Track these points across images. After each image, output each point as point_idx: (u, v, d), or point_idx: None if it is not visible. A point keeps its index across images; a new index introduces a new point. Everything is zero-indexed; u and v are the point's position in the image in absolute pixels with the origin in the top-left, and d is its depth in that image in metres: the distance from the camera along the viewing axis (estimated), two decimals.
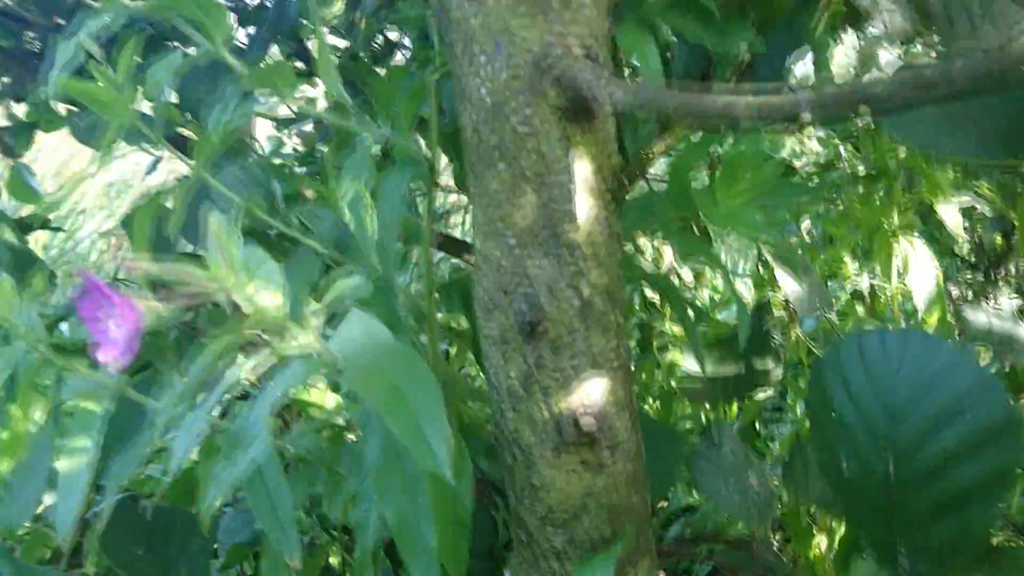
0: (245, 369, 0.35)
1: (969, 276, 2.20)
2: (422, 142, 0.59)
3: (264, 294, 0.33)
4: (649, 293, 1.10)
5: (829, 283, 1.24)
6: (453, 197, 1.43)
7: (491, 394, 0.50)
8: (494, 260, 0.45)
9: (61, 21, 1.02)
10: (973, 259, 2.16)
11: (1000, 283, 1.93)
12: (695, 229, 0.52)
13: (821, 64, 0.51)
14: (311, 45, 1.23)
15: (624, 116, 0.49)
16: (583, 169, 0.44)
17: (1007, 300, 0.98)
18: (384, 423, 0.43)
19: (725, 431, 0.56)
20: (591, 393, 0.46)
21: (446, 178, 0.73)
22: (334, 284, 0.36)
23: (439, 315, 0.68)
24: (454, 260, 0.85)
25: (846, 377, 0.42)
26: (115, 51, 0.51)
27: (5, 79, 1.31)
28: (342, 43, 1.29)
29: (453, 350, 0.97)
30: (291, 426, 0.72)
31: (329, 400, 0.65)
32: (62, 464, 0.48)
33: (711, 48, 0.48)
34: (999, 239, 2.15)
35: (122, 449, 0.54)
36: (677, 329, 1.09)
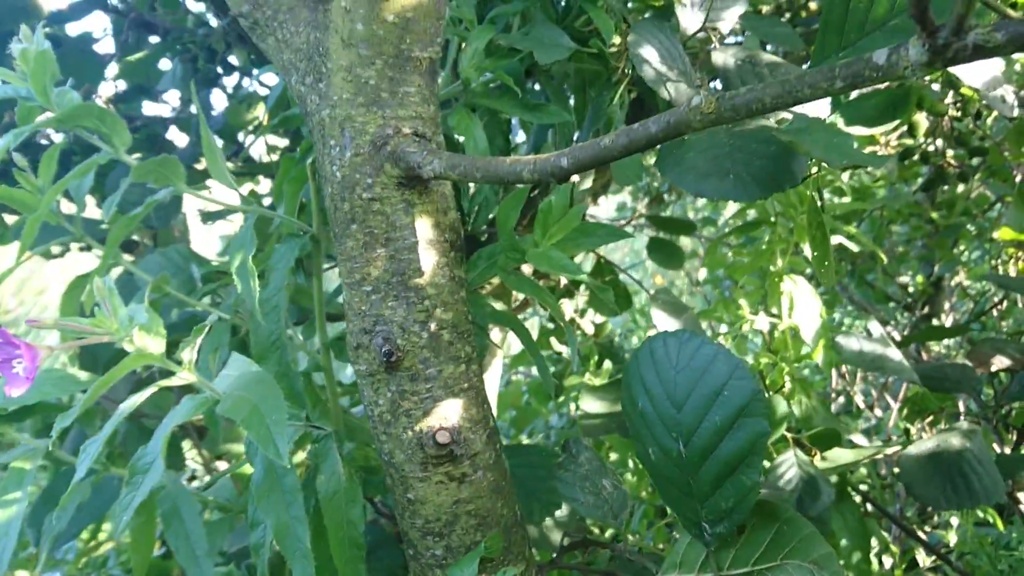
0: (135, 400, 0.43)
1: (904, 317, 2.32)
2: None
3: (144, 338, 0.42)
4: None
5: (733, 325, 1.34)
6: None
7: (369, 425, 0.58)
8: (356, 307, 0.55)
9: None
10: (908, 301, 2.29)
11: (935, 323, 2.05)
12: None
13: (612, 127, 0.62)
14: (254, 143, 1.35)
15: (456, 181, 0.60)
16: (423, 227, 0.54)
17: (876, 325, 1.08)
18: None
19: (580, 445, 0.64)
20: (445, 413, 0.55)
21: None
22: (196, 329, 0.45)
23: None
24: None
25: (643, 376, 0.51)
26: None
27: None
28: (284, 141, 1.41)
29: None
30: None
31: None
32: None
33: (530, 122, 0.59)
34: (920, 280, 2.28)
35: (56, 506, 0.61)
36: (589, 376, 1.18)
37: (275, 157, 1.38)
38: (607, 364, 1.46)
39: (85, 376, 0.60)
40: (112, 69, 1.19)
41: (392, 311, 0.54)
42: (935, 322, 2.13)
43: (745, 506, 0.48)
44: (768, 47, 1.11)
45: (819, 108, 0.67)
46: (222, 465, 1.23)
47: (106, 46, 2.06)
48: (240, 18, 0.58)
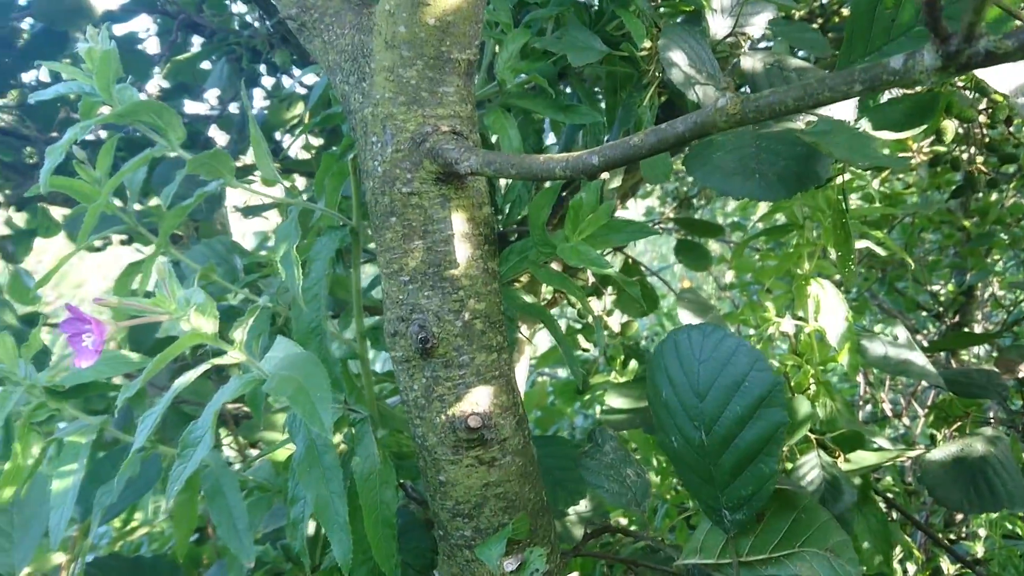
0: (189, 376, 0.46)
1: (935, 326, 2.30)
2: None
3: (199, 318, 0.45)
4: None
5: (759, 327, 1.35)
6: None
7: (404, 410, 0.61)
8: (394, 296, 0.57)
9: (55, 135, 1.16)
10: (939, 309, 2.27)
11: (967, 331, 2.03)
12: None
13: (642, 128, 0.64)
14: (286, 142, 1.39)
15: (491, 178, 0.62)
16: (458, 220, 0.56)
17: (902, 330, 1.09)
18: (304, 424, 0.54)
19: (606, 435, 0.66)
20: (477, 399, 0.57)
21: None
22: (250, 309, 0.48)
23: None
24: None
25: (667, 367, 0.53)
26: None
27: (7, 190, 1.46)
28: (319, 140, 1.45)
29: None
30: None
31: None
32: (55, 485, 0.59)
33: (563, 122, 0.62)
34: (951, 288, 2.26)
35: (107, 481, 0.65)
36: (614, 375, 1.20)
37: (309, 155, 1.42)
38: (632, 364, 1.47)
39: (136, 356, 0.63)
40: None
41: (428, 300, 0.56)
42: (966, 331, 2.11)
43: (764, 493, 0.50)
44: (798, 52, 1.12)
45: (844, 111, 0.69)
46: (255, 452, 1.27)
47: (149, 45, 2.12)
48: (288, 20, 0.61)
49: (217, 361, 0.47)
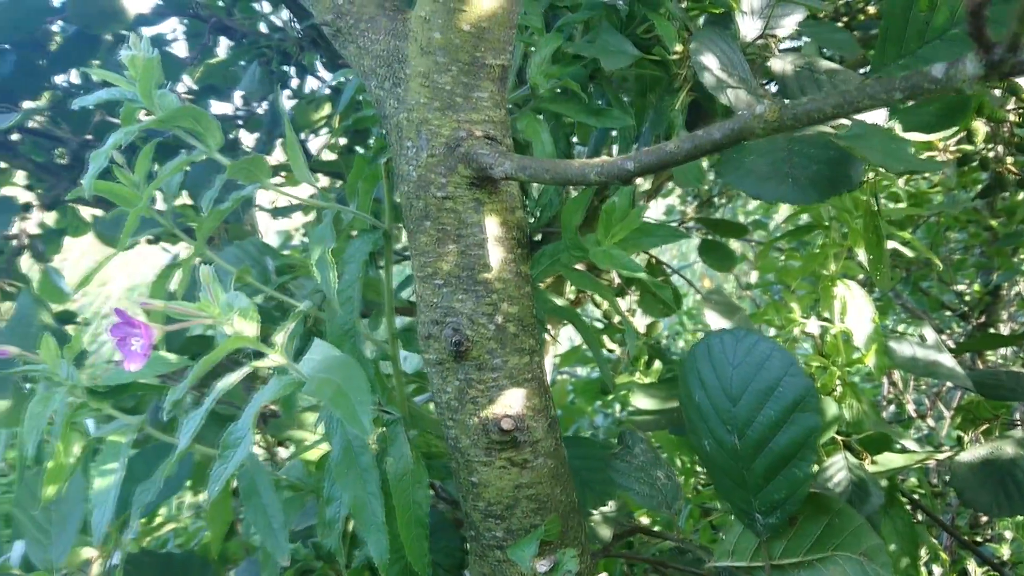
0: (232, 379, 0.47)
1: (960, 326, 2.28)
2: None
3: (241, 322, 0.46)
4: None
5: (784, 328, 1.35)
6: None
7: (436, 411, 0.61)
8: (427, 299, 0.58)
9: (88, 137, 1.18)
10: (964, 309, 2.25)
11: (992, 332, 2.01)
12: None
13: (675, 133, 0.64)
14: (311, 144, 1.40)
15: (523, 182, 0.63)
16: (492, 224, 0.57)
17: (929, 331, 1.08)
18: (342, 426, 0.55)
19: (636, 437, 0.67)
20: (509, 401, 0.58)
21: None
22: (293, 314, 0.48)
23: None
24: None
25: (700, 371, 0.53)
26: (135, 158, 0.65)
27: (39, 191, 1.48)
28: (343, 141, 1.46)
29: None
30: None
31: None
32: (96, 483, 0.60)
33: (594, 126, 0.62)
34: (977, 288, 2.24)
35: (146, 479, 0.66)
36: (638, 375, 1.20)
37: (334, 156, 1.43)
38: (656, 364, 1.47)
39: (174, 358, 0.64)
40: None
41: (461, 303, 0.57)
42: (992, 332, 2.09)
43: (797, 498, 0.50)
44: (824, 51, 1.11)
45: (877, 114, 0.69)
46: (282, 450, 1.28)
47: (176, 48, 2.14)
48: (324, 26, 0.62)
49: (258, 363, 0.48)
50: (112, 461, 0.60)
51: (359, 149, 1.36)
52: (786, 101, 0.62)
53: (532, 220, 0.70)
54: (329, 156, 1.46)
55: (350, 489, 0.53)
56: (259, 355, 0.49)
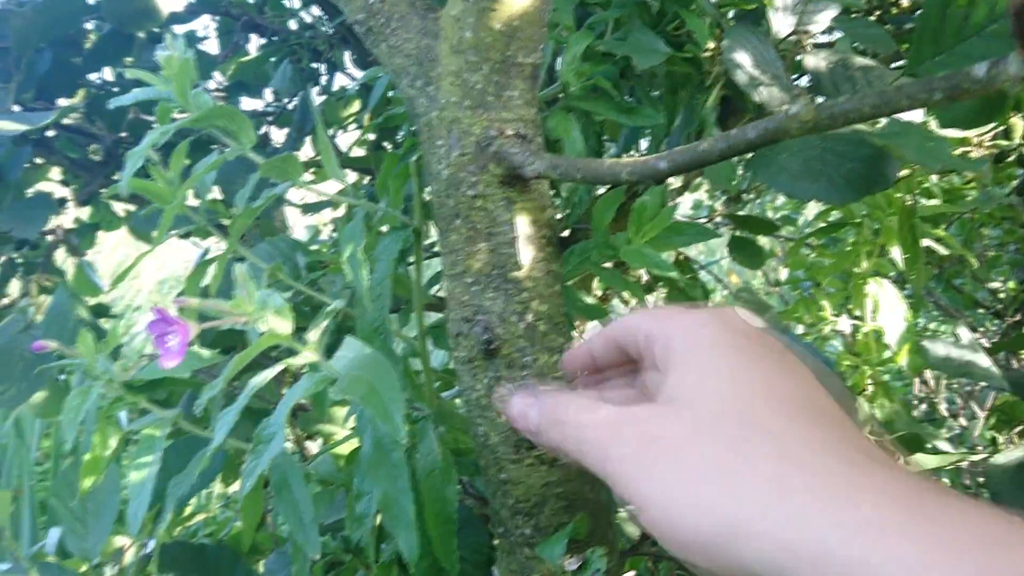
0: (265, 376, 0.48)
1: (994, 324, 2.25)
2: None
3: (275, 320, 0.46)
4: None
5: (814, 326, 1.33)
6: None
7: (465, 409, 0.62)
8: (458, 297, 0.58)
9: (123, 134, 1.20)
10: (998, 307, 2.21)
11: None
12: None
13: (707, 132, 0.64)
14: (339, 140, 1.41)
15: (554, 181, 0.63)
16: (522, 222, 0.57)
17: (965, 331, 1.07)
18: (372, 422, 0.55)
19: None
20: None
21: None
22: (325, 312, 0.49)
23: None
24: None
25: None
26: (170, 155, 0.66)
27: (74, 187, 1.51)
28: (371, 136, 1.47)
29: None
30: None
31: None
32: (132, 476, 0.61)
33: (626, 125, 0.62)
34: (1012, 286, 2.20)
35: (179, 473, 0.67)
36: None
37: (362, 151, 1.44)
38: None
39: (208, 354, 0.65)
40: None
41: (492, 302, 0.57)
42: None
43: None
44: (856, 46, 1.10)
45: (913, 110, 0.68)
46: (311, 444, 1.29)
47: (207, 45, 2.17)
48: (355, 25, 0.63)
49: (291, 361, 0.49)
50: (148, 454, 0.61)
51: (387, 145, 1.37)
52: (820, 99, 0.61)
53: (561, 218, 0.70)
54: (357, 152, 1.47)
55: (380, 485, 0.53)
56: (292, 352, 0.50)
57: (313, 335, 0.48)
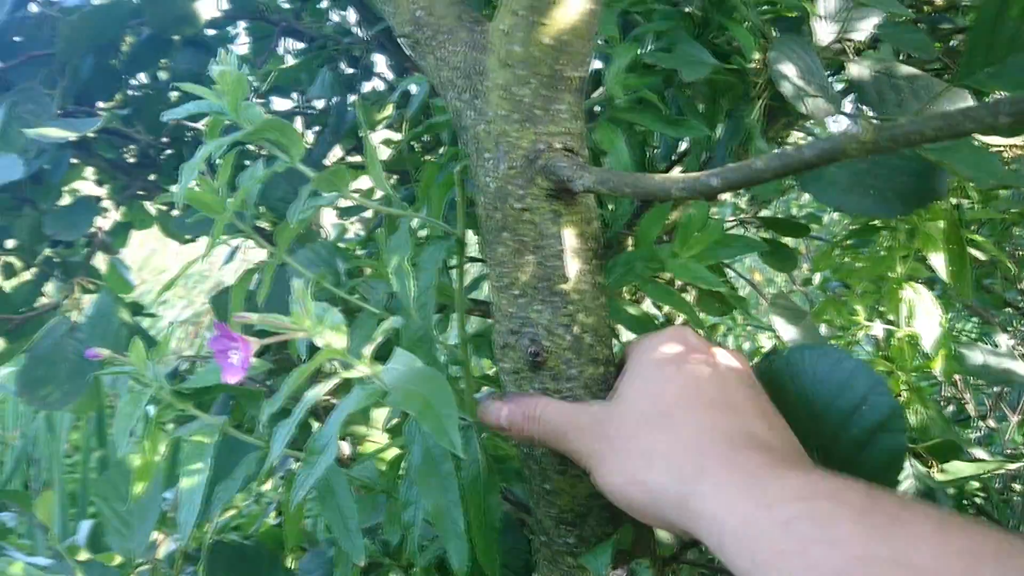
0: (321, 389, 0.49)
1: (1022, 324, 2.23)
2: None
3: (331, 335, 0.47)
4: None
5: (846, 329, 1.32)
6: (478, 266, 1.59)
7: None
8: (504, 309, 0.59)
9: (164, 139, 1.22)
10: None
11: None
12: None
13: (752, 144, 0.64)
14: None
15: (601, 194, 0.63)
16: (569, 235, 0.57)
17: (1004, 338, 1.06)
18: (422, 433, 0.56)
19: None
20: None
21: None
22: (381, 328, 0.50)
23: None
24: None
25: (780, 387, 0.53)
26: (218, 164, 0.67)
27: (109, 186, 1.53)
28: (398, 135, 1.48)
29: None
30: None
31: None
32: (183, 483, 0.62)
33: (671, 136, 0.62)
34: None
35: (226, 478, 0.69)
36: None
37: (388, 151, 1.45)
38: None
39: (256, 361, 0.66)
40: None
41: (538, 314, 0.57)
42: None
43: None
44: (898, 52, 1.09)
45: None
46: (344, 444, 1.30)
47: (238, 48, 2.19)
48: (403, 38, 0.63)
49: (346, 374, 0.49)
50: (198, 461, 0.62)
51: (414, 145, 1.38)
52: (869, 112, 0.61)
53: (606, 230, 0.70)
54: (384, 151, 1.47)
55: (430, 496, 0.54)
56: (348, 366, 0.50)
57: (367, 349, 0.49)
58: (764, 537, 0.36)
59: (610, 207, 0.69)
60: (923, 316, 1.18)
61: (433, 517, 0.54)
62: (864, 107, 0.69)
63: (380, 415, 1.08)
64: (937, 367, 1.15)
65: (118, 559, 1.12)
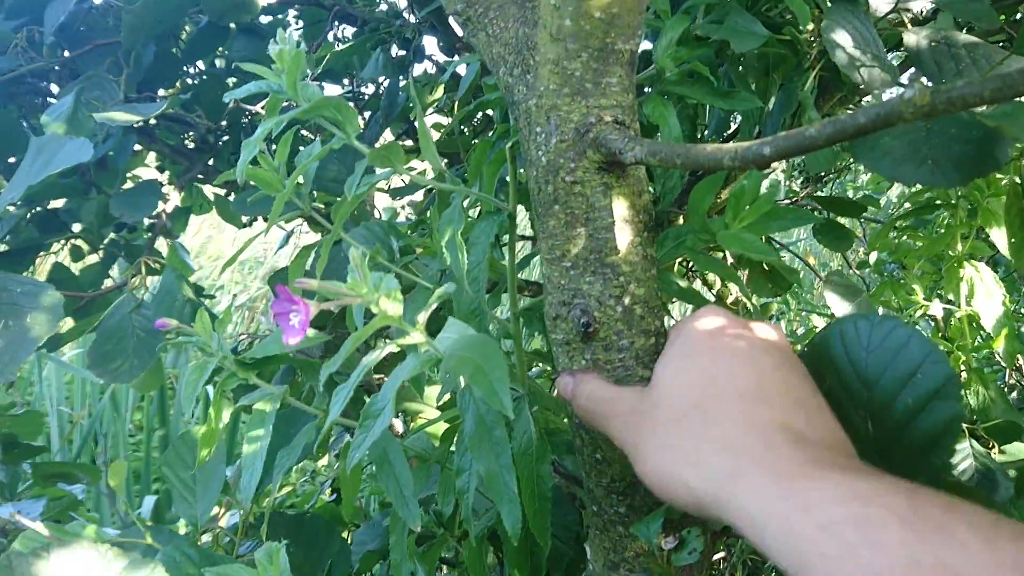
0: (377, 355, 0.50)
1: None
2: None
3: (387, 302, 0.49)
4: None
5: (903, 310, 1.30)
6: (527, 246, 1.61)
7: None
8: (556, 281, 0.60)
9: (222, 123, 1.25)
10: None
11: None
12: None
13: (806, 114, 0.63)
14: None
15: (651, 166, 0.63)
16: (620, 208, 0.58)
17: None
18: (475, 401, 0.57)
19: None
20: (636, 382, 0.59)
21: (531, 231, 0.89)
22: (436, 295, 0.51)
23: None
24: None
25: (832, 356, 0.52)
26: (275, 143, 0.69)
27: (169, 171, 1.57)
28: (447, 120, 1.50)
29: None
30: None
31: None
32: (246, 448, 0.65)
33: (723, 109, 0.62)
34: None
35: (287, 446, 0.71)
36: None
37: (436, 134, 1.47)
38: None
39: (311, 333, 0.68)
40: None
41: (590, 286, 0.58)
42: None
43: (935, 487, 0.49)
44: (958, 22, 1.06)
45: None
46: (396, 422, 1.33)
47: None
48: (454, 16, 0.64)
49: (401, 341, 0.51)
50: (259, 428, 0.65)
51: (463, 129, 1.39)
52: (924, 80, 0.60)
53: (657, 202, 0.70)
54: (434, 135, 1.49)
55: (483, 462, 0.55)
56: (403, 334, 0.52)
57: (421, 316, 0.50)
58: (806, 540, 0.37)
59: (660, 184, 0.69)
60: (984, 296, 1.16)
61: (486, 482, 0.55)
62: (922, 78, 0.67)
63: (432, 393, 1.10)
64: (999, 347, 1.12)
65: (183, 528, 1.16)
